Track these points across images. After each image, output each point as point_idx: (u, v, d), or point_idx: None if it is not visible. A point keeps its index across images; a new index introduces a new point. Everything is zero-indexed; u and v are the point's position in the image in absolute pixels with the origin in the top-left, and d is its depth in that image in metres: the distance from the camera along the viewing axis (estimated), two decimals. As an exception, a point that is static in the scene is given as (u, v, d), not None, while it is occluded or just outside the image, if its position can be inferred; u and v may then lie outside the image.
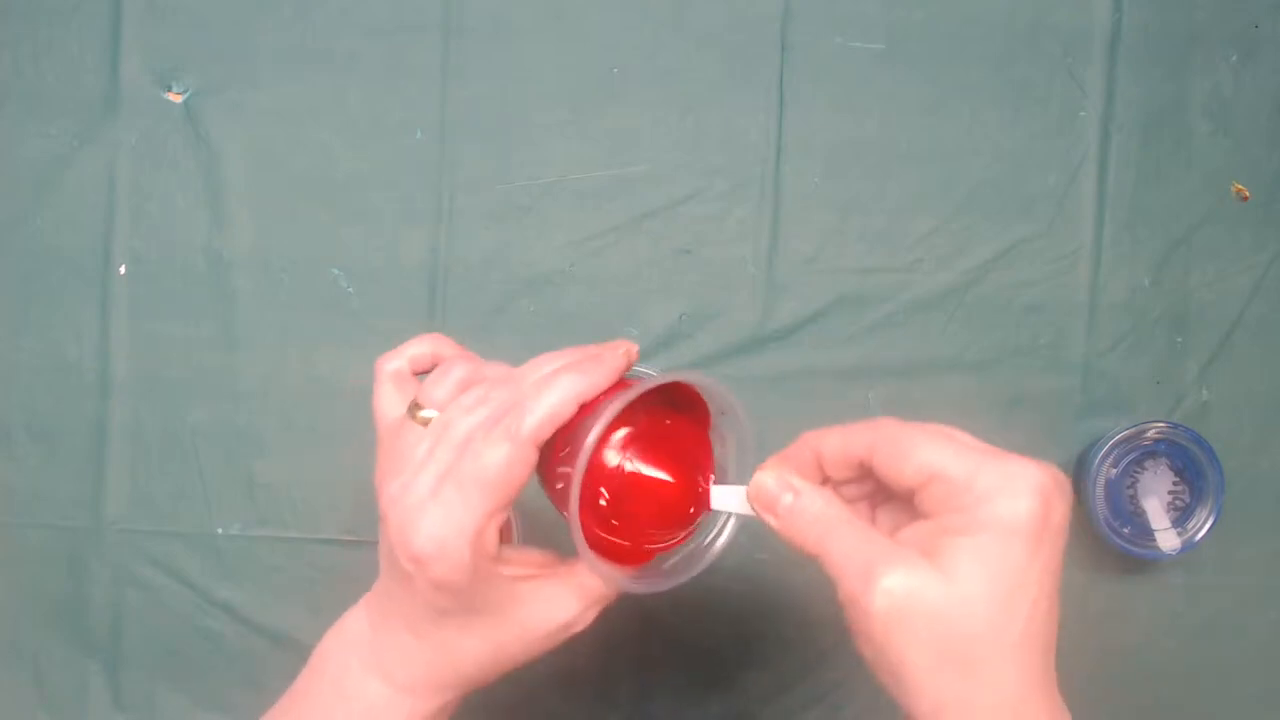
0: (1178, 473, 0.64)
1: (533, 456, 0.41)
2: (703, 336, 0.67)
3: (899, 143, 0.67)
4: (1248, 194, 0.66)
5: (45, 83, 0.67)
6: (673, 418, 0.45)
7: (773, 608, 0.66)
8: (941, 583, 0.37)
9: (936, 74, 0.67)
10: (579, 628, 0.44)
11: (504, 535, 0.43)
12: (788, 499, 0.41)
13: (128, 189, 0.67)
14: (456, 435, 0.41)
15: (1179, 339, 0.67)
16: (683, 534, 0.45)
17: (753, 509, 0.42)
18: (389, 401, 0.46)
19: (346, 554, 0.67)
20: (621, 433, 0.43)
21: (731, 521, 0.45)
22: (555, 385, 0.41)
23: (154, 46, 0.67)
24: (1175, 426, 0.63)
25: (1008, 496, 0.37)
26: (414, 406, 0.44)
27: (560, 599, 0.44)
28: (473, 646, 0.43)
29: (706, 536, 0.45)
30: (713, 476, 0.44)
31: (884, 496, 0.42)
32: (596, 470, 0.43)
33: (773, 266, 0.67)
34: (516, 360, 0.67)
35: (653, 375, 0.42)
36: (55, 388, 0.67)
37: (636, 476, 0.43)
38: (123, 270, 0.67)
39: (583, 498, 0.41)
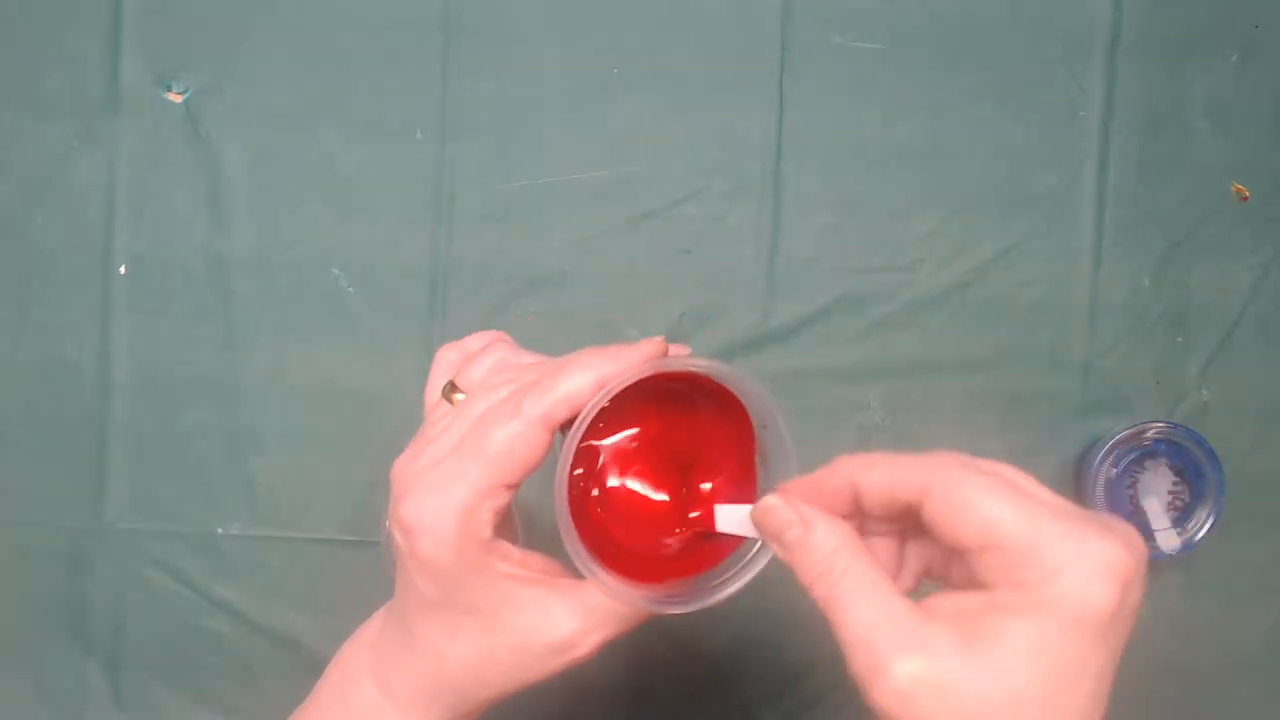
0: (1177, 473, 0.64)
1: (540, 436, 0.38)
2: (703, 336, 0.67)
3: (899, 142, 0.67)
4: (1247, 194, 0.66)
5: (45, 83, 0.67)
6: (718, 423, 0.41)
7: (772, 609, 0.66)
8: (975, 675, 0.31)
9: (936, 74, 0.67)
10: (578, 653, 0.40)
11: (507, 535, 0.41)
12: (795, 532, 0.35)
13: (128, 189, 0.67)
14: (474, 412, 0.39)
15: (1179, 339, 0.67)
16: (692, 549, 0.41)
17: (759, 535, 0.36)
18: (436, 388, 0.44)
19: (346, 554, 0.67)
20: (632, 431, 0.40)
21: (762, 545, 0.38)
22: (575, 365, 0.38)
23: (154, 46, 0.67)
24: (1175, 427, 0.63)
25: (1080, 576, 0.31)
26: (449, 387, 0.42)
27: (558, 613, 0.39)
28: (460, 653, 0.40)
29: (743, 558, 0.39)
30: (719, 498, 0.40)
31: (918, 530, 0.36)
32: (597, 469, 0.40)
33: (773, 266, 0.67)
34: (516, 360, 0.67)
35: (694, 362, 0.38)
36: (55, 388, 0.67)
37: (629, 484, 0.40)
38: (123, 270, 0.67)
39: (586, 502, 0.39)
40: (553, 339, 0.66)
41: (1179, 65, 0.66)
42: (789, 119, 0.66)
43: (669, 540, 0.41)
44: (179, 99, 0.67)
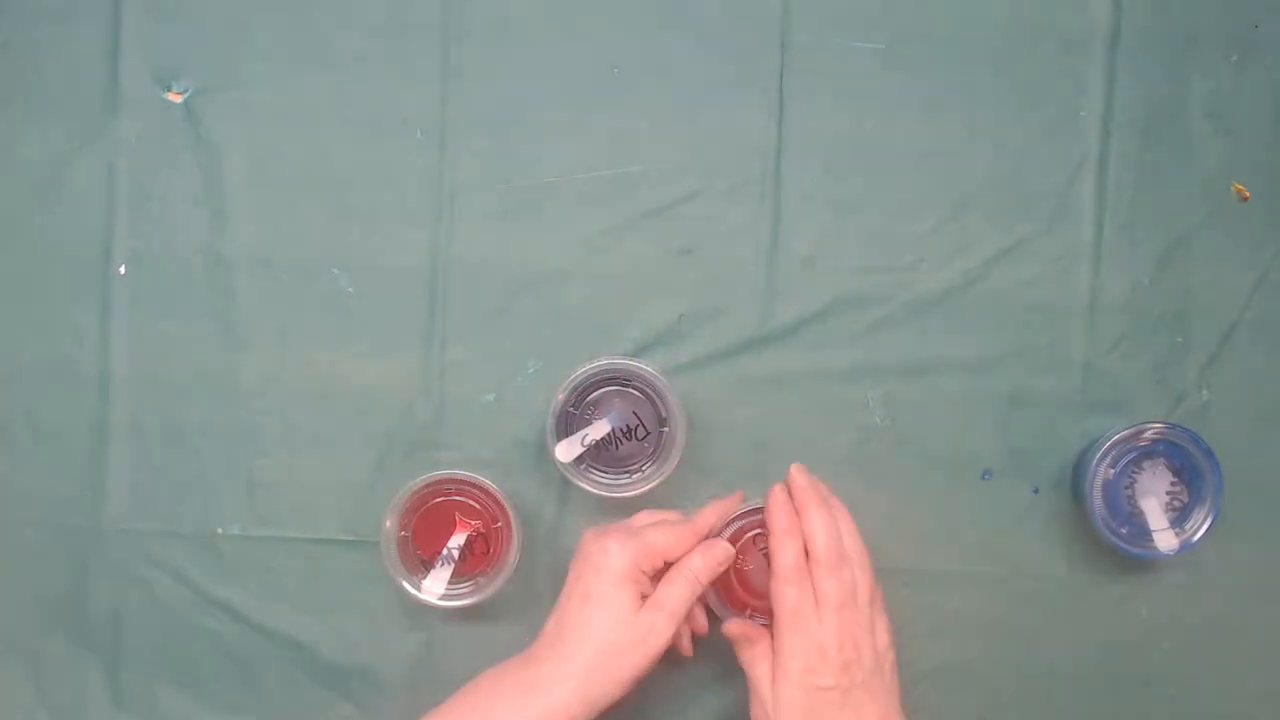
0: (1176, 473, 0.64)
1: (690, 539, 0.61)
2: (703, 336, 0.67)
3: (899, 143, 0.67)
4: (1248, 194, 0.66)
5: (45, 83, 0.67)
6: None
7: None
8: None
9: (936, 74, 0.67)
10: (658, 635, 0.58)
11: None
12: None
13: (128, 189, 0.67)
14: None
15: (1179, 339, 0.67)
16: None
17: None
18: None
19: (346, 554, 0.67)
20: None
21: None
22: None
23: (154, 46, 0.67)
24: (1173, 427, 0.63)
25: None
26: None
27: (648, 616, 0.58)
28: (596, 636, 0.57)
29: None
30: None
31: None
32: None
33: (773, 266, 0.67)
34: (516, 358, 0.67)
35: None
36: (55, 388, 0.67)
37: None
38: (123, 270, 0.67)
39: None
40: (552, 339, 0.67)
41: (1179, 65, 0.66)
42: (789, 119, 0.66)
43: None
44: (179, 99, 0.67)
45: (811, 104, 0.66)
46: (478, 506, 0.65)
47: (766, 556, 0.60)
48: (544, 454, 0.65)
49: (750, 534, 0.63)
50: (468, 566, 0.65)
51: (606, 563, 0.58)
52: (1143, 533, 0.63)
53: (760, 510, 0.62)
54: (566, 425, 0.64)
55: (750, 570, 0.64)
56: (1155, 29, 0.66)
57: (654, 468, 0.64)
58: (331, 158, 0.67)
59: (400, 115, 0.67)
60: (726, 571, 0.62)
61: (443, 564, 0.64)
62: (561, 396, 0.63)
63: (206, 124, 0.67)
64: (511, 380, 0.67)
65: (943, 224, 0.67)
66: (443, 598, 0.64)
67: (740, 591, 0.64)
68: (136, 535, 0.67)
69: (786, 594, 0.58)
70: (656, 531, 0.61)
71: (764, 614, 0.61)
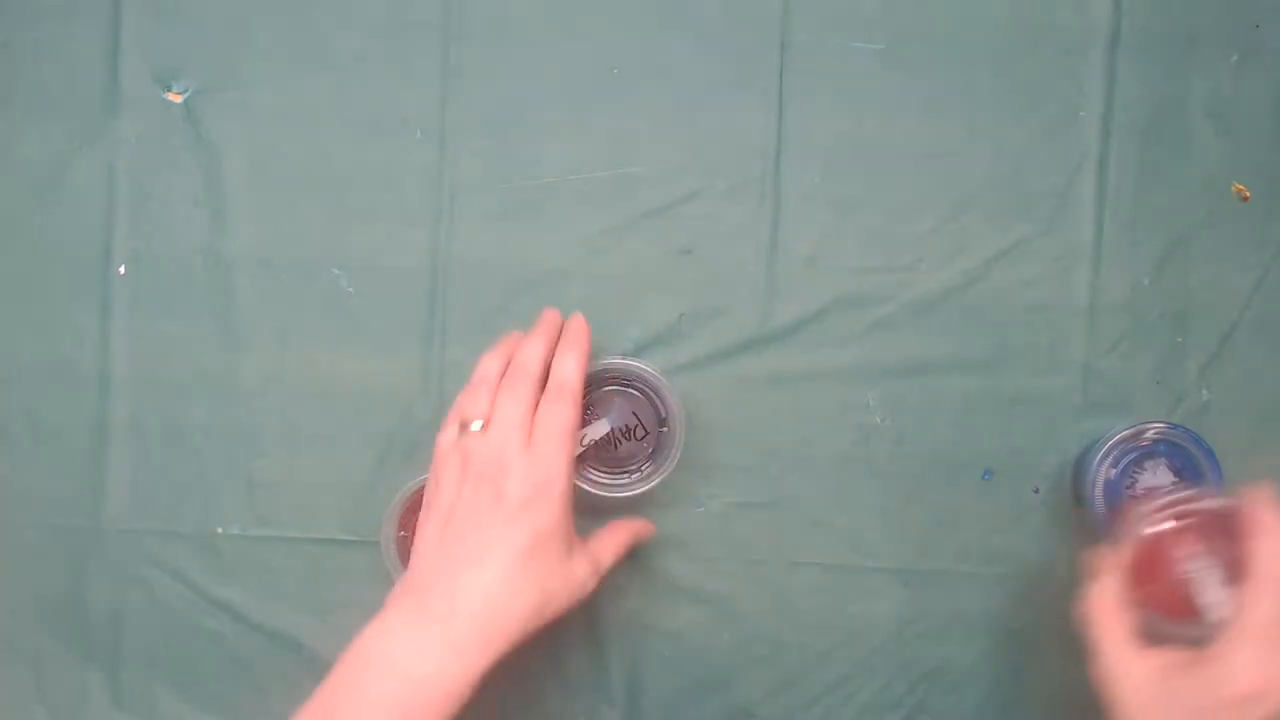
0: (1176, 473, 0.64)
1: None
2: (703, 336, 0.67)
3: (898, 143, 0.67)
4: (1248, 194, 0.66)
5: (45, 83, 0.67)
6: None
7: (771, 608, 0.66)
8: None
9: (936, 74, 0.67)
10: (590, 588, 0.56)
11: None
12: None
13: (128, 189, 0.67)
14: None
15: (1179, 339, 0.67)
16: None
17: None
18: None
19: (346, 554, 0.67)
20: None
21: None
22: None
23: (154, 46, 0.67)
24: (1174, 427, 0.63)
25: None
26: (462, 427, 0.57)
27: (583, 564, 0.56)
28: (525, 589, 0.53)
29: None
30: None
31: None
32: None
33: (773, 266, 0.67)
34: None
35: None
36: (55, 388, 0.67)
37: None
38: (122, 270, 0.67)
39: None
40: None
41: (1179, 65, 0.66)
42: (789, 119, 0.66)
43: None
44: (179, 99, 0.67)
45: (811, 104, 0.67)
46: (478, 506, 0.65)
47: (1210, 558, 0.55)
48: (544, 454, 0.65)
49: (1181, 531, 0.56)
50: (468, 566, 0.65)
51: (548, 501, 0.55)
52: (1143, 533, 0.63)
53: (1191, 499, 0.57)
54: None
55: (1190, 576, 0.56)
56: (1155, 29, 0.66)
57: (654, 468, 0.64)
58: (331, 158, 0.67)
59: (400, 115, 0.67)
60: (1159, 585, 0.56)
61: (443, 564, 0.64)
62: None
63: (206, 124, 0.67)
64: (511, 380, 0.67)
65: (943, 224, 0.67)
66: (443, 598, 0.64)
67: (1182, 603, 0.55)
68: (136, 535, 0.67)
69: None
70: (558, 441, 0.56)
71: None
